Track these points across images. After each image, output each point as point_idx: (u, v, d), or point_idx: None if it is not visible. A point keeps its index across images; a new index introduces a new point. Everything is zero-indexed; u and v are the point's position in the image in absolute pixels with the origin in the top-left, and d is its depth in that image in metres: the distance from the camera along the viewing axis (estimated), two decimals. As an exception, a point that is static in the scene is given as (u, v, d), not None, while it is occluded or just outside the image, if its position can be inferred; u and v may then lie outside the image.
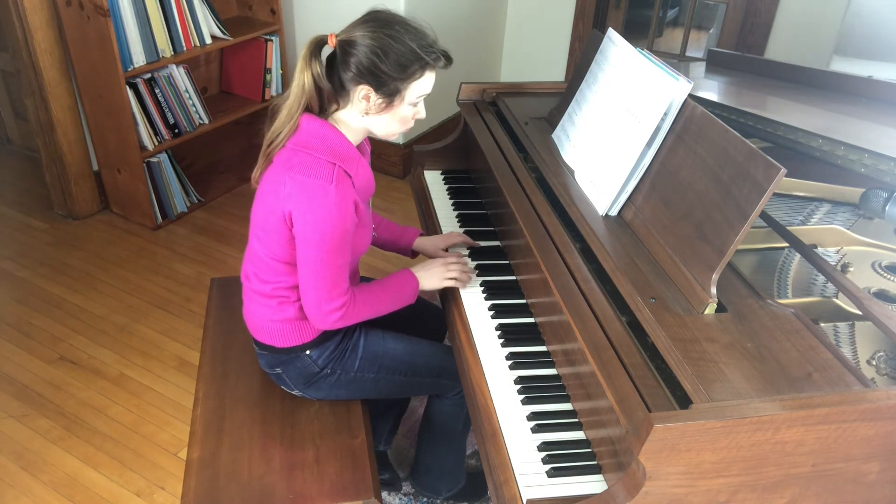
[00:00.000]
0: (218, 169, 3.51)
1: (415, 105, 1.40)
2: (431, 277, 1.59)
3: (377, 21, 1.33)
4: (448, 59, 1.38)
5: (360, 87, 1.33)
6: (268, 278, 1.48)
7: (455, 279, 1.59)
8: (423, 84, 1.37)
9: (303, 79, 1.34)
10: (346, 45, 1.32)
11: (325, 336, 1.54)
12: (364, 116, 1.39)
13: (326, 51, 1.38)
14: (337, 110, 1.40)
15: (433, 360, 1.64)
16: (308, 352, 1.53)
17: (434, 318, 1.84)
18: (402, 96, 1.36)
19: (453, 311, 1.58)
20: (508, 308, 1.56)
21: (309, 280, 1.40)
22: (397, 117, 1.40)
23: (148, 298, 2.69)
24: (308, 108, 1.38)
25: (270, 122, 1.40)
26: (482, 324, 1.51)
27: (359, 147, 1.46)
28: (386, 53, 1.30)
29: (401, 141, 3.50)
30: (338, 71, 1.35)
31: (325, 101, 1.39)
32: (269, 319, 1.51)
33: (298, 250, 1.39)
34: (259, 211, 1.44)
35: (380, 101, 1.35)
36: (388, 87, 1.33)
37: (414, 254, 1.80)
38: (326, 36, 1.35)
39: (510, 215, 1.62)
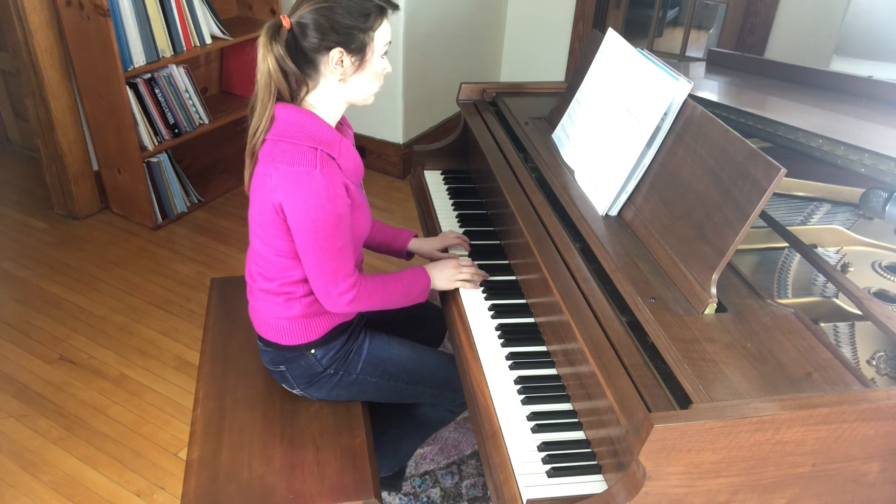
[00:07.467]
0: (218, 169, 3.51)
1: (383, 57, 1.41)
2: (443, 277, 1.59)
3: None
4: (395, 5, 1.40)
5: (332, 51, 1.33)
6: (272, 275, 1.48)
7: (467, 281, 1.60)
8: (385, 31, 1.39)
9: (266, 66, 1.33)
10: (300, 20, 1.33)
11: (331, 336, 1.54)
12: (340, 84, 1.38)
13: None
14: (308, 93, 1.39)
15: (436, 372, 1.64)
16: (313, 350, 1.53)
17: (434, 318, 1.84)
18: (371, 48, 1.37)
19: (453, 310, 1.58)
20: (508, 308, 1.55)
21: (313, 268, 1.41)
22: (371, 73, 1.40)
23: (148, 298, 2.69)
24: (279, 98, 1.38)
25: (250, 119, 1.41)
26: (482, 324, 1.51)
27: (339, 129, 1.45)
28: (340, 6, 1.31)
29: (401, 141, 3.50)
30: (301, 47, 1.34)
31: (293, 86, 1.38)
32: (275, 317, 1.51)
33: (296, 240, 1.39)
34: (253, 207, 1.44)
35: (353, 58, 1.36)
36: (357, 42, 1.34)
37: (409, 255, 1.80)
38: (280, 19, 1.34)
39: (510, 215, 1.62)
